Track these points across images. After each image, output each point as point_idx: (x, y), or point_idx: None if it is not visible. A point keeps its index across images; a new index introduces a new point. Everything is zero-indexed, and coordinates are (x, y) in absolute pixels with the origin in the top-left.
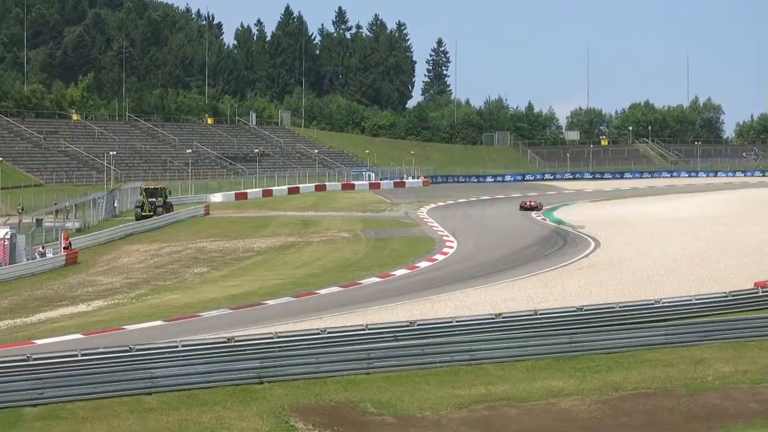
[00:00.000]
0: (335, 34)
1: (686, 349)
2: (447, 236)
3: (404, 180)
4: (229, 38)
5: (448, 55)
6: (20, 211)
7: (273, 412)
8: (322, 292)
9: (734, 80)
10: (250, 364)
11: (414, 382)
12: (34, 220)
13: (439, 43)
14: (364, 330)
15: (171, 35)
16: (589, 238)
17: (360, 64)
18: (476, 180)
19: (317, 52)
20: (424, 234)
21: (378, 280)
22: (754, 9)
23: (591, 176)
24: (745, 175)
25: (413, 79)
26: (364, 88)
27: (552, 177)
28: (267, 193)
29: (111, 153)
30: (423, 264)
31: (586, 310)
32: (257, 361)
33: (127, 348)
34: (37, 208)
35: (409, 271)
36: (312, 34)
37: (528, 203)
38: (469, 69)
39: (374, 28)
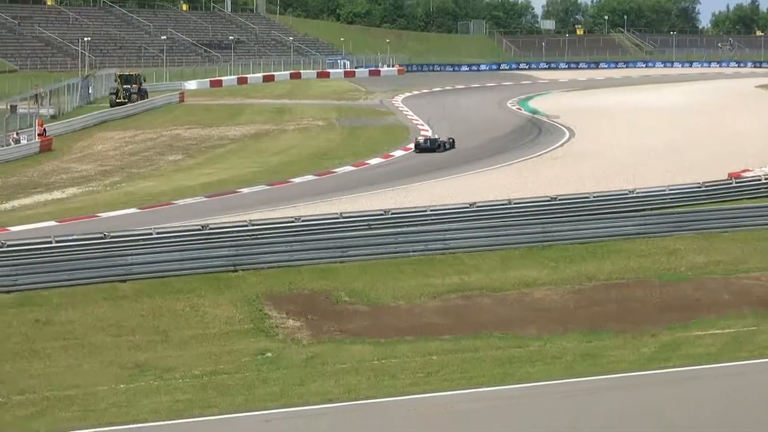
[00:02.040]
0: None
1: (660, 239)
2: (422, 125)
3: (379, 68)
4: None
5: None
6: None
7: (247, 300)
8: (297, 180)
9: None
10: (224, 252)
11: (388, 271)
12: (9, 107)
13: None
14: (338, 219)
15: None
16: (563, 128)
17: None
18: (451, 69)
19: None
20: (399, 123)
21: (352, 168)
22: None
23: (566, 66)
24: (720, 66)
25: None
26: None
27: (527, 66)
28: (242, 81)
29: (86, 39)
30: (398, 153)
31: (560, 200)
32: (232, 249)
33: (102, 235)
34: (11, 94)
35: (384, 160)
36: None
37: None
38: None
39: None
